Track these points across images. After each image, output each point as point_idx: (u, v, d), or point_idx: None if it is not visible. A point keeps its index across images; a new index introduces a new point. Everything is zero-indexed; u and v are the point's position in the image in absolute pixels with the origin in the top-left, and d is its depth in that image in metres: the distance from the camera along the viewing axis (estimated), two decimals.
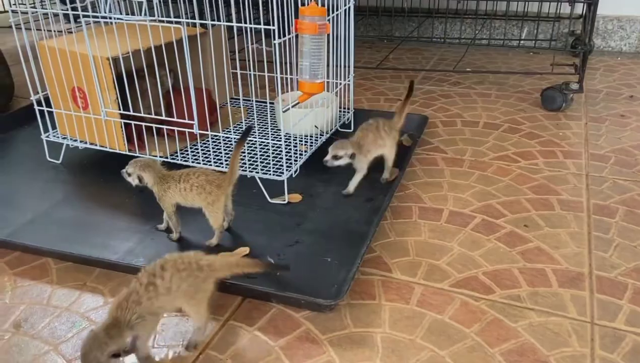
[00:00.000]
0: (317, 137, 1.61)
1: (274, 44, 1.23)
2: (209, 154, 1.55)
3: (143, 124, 1.52)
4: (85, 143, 1.62)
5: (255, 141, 1.54)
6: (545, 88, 2.05)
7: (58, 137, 1.65)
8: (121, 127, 1.54)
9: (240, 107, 1.78)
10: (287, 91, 1.72)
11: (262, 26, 1.30)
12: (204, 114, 1.67)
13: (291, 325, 1.02)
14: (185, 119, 1.46)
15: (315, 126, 1.66)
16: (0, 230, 1.31)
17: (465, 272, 1.15)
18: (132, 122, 1.52)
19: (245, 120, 1.78)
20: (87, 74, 1.49)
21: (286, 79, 1.63)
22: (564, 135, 1.83)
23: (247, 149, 1.56)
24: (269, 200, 1.42)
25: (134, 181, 1.24)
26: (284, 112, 1.39)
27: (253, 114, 1.82)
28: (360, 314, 1.04)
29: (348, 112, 1.81)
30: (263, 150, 1.56)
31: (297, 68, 1.36)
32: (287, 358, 0.95)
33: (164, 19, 1.40)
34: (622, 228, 1.30)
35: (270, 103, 1.70)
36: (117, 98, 1.50)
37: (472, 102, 2.14)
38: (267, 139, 1.57)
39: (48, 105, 1.61)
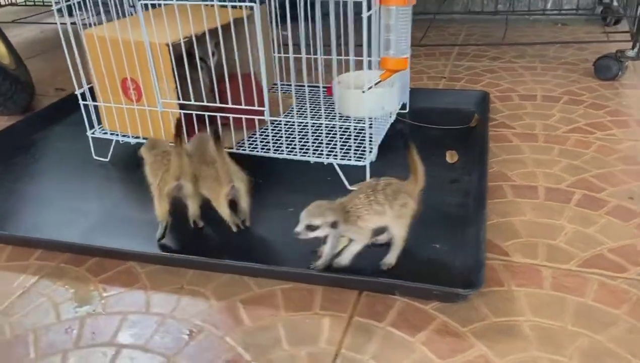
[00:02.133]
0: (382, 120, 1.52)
1: (364, 16, 1.13)
2: (277, 141, 1.45)
3: (206, 113, 1.42)
4: (138, 137, 1.51)
5: (333, 125, 1.43)
6: (599, 57, 1.98)
7: (106, 133, 1.54)
8: (180, 118, 1.43)
9: (288, 92, 1.69)
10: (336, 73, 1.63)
11: None
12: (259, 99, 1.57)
13: (424, 319, 0.93)
14: (247, 106, 1.35)
15: (383, 107, 1.56)
16: (70, 235, 1.20)
17: (589, 251, 1.08)
18: (194, 112, 1.42)
19: (297, 105, 1.68)
20: (142, 63, 1.37)
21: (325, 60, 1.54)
22: (628, 104, 1.76)
23: (315, 134, 1.47)
24: (349, 187, 1.33)
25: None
26: (364, 92, 1.29)
27: (305, 98, 1.73)
28: (495, 302, 0.96)
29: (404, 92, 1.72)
30: (332, 135, 1.47)
31: (374, 45, 1.27)
32: (434, 354, 0.86)
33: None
34: None
35: (320, 86, 1.60)
36: (177, 87, 1.40)
37: (519, 76, 2.06)
38: (344, 122, 1.46)
39: (92, 99, 1.49)
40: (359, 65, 1.49)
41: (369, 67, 1.33)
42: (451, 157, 1.46)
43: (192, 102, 1.39)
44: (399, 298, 0.98)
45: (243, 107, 1.41)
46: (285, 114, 1.59)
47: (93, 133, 1.54)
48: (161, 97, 1.40)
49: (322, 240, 1.03)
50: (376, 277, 1.01)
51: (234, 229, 1.17)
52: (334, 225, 0.99)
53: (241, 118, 1.43)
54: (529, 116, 1.71)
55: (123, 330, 0.95)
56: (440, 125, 1.64)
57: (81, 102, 1.50)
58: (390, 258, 1.04)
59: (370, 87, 1.25)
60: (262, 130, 1.54)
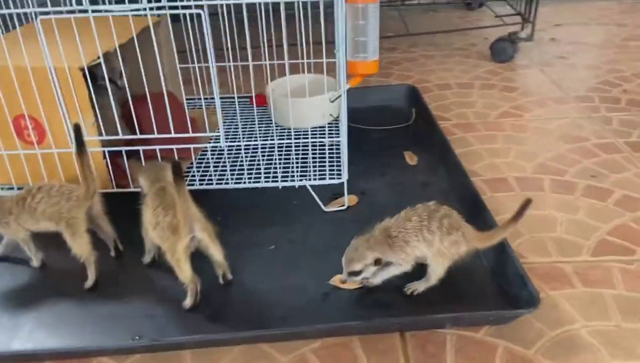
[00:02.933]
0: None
1: (339, 15, 0.98)
2: (223, 171, 1.24)
3: (130, 149, 1.15)
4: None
5: (289, 144, 1.27)
6: (495, 40, 2.06)
7: None
8: (104, 158, 1.15)
9: (209, 107, 1.48)
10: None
11: None
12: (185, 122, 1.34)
13: (486, 349, 0.84)
14: (168, 134, 1.13)
15: (331, 115, 1.44)
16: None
17: (592, 238, 1.08)
18: (121, 149, 1.15)
19: (225, 122, 1.47)
20: (44, 94, 1.07)
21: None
22: (534, 83, 1.86)
23: (273, 155, 1.29)
24: (324, 209, 1.19)
25: None
26: (332, 101, 1.16)
27: (231, 112, 1.53)
28: (543, 314, 0.90)
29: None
30: (293, 154, 1.30)
31: (336, 46, 1.13)
32: None
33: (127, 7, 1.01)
34: None
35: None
36: (98, 120, 1.11)
37: (424, 66, 2.08)
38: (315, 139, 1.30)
39: None
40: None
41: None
42: (410, 158, 1.39)
43: (119, 136, 1.12)
44: (447, 331, 0.88)
45: (181, 135, 1.19)
46: (217, 134, 1.38)
47: None
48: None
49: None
50: (416, 314, 0.89)
51: (191, 301, 0.93)
52: (377, 262, 0.90)
53: (172, 149, 1.19)
54: (455, 105, 1.72)
55: None
56: (380, 126, 1.56)
57: None
58: (419, 285, 0.93)
59: (338, 96, 1.12)
60: (202, 159, 1.31)
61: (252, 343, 0.87)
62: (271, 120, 1.46)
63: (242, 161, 1.24)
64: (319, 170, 1.24)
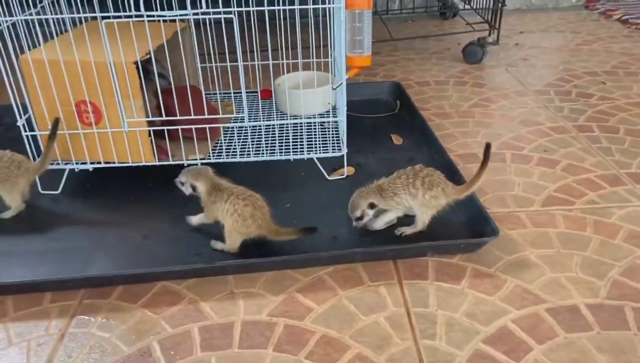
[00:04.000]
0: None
1: (341, 21, 1.26)
2: (244, 147, 1.50)
3: (173, 128, 1.41)
4: (99, 163, 1.43)
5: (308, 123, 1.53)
6: (466, 44, 2.36)
7: (58, 164, 1.42)
8: (149, 136, 1.40)
9: (224, 100, 1.76)
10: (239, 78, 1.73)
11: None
12: (212, 108, 1.60)
13: (459, 270, 1.11)
14: (196, 117, 1.39)
15: (329, 103, 1.71)
16: (70, 270, 1.13)
17: (542, 194, 1.36)
18: (164, 128, 1.40)
19: (240, 110, 1.74)
20: (104, 83, 1.32)
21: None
22: (501, 81, 2.16)
23: (279, 135, 1.56)
24: (328, 177, 1.46)
25: (187, 190, 1.20)
26: (334, 89, 1.43)
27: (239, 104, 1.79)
28: (501, 245, 1.17)
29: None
30: (299, 133, 1.57)
31: (338, 44, 1.40)
32: (483, 293, 1.05)
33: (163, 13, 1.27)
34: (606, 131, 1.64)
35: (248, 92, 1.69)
36: (146, 104, 1.37)
37: (406, 67, 2.37)
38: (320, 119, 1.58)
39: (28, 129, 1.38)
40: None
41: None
42: (397, 139, 1.67)
43: (162, 118, 1.38)
44: (429, 259, 1.15)
45: (209, 116, 1.45)
46: (233, 120, 1.64)
47: None
48: (126, 117, 1.36)
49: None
50: (405, 244, 1.16)
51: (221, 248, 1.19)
52: (371, 206, 1.15)
53: (204, 128, 1.45)
54: (434, 98, 2.00)
55: (243, 339, 0.97)
56: (369, 114, 1.84)
57: (25, 134, 1.37)
58: (407, 229, 1.21)
59: (340, 84, 1.39)
60: (227, 137, 1.58)
61: (280, 269, 1.13)
62: (277, 109, 1.74)
63: (260, 138, 1.51)
64: (322, 146, 1.50)
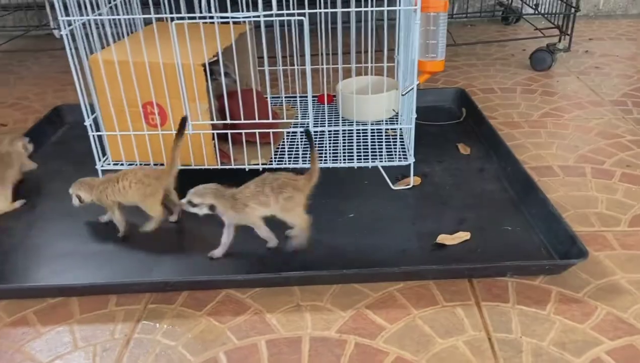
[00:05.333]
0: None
1: (415, 24, 1.20)
2: (305, 152, 1.45)
3: (236, 132, 1.38)
4: (161, 165, 1.41)
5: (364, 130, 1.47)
6: (534, 50, 2.26)
7: (120, 164, 1.42)
8: (213, 139, 1.38)
9: (286, 104, 1.72)
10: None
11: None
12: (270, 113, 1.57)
13: (542, 293, 1.03)
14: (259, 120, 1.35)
15: (393, 109, 1.65)
16: (131, 274, 1.11)
17: (628, 213, 1.26)
18: (228, 131, 1.38)
19: (297, 116, 1.70)
20: (171, 85, 1.30)
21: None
22: (573, 89, 2.04)
23: (346, 140, 1.51)
24: (393, 187, 1.40)
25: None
26: (404, 95, 1.37)
27: (299, 107, 1.75)
28: (588, 268, 1.08)
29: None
30: (364, 140, 1.52)
31: (407, 48, 1.35)
32: (571, 320, 0.96)
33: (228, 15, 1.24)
34: None
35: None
36: (211, 106, 1.35)
37: (467, 73, 2.28)
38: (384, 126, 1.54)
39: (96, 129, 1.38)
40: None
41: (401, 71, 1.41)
42: (464, 149, 1.59)
43: (226, 121, 1.35)
44: (508, 279, 1.07)
45: (272, 120, 1.42)
46: (293, 124, 1.60)
47: (105, 165, 1.42)
48: (191, 119, 1.34)
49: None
50: (483, 263, 1.09)
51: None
52: (211, 208, 1.11)
53: (267, 133, 1.42)
54: (500, 107, 1.91)
55: (312, 356, 0.92)
56: (434, 122, 1.76)
57: (92, 134, 1.38)
58: (296, 241, 1.16)
59: (410, 90, 1.33)
60: (288, 142, 1.54)
61: (347, 282, 1.08)
62: (338, 114, 1.69)
63: (322, 144, 1.46)
64: (387, 154, 1.44)
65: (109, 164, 1.42)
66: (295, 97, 1.73)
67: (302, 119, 1.67)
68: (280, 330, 0.98)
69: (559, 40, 2.26)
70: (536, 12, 2.58)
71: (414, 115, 1.33)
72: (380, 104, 1.63)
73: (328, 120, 1.67)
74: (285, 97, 1.73)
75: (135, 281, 1.07)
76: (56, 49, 2.86)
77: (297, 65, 1.61)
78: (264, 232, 1.17)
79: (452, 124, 1.77)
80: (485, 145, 1.60)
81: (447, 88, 1.99)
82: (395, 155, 1.44)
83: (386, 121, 1.65)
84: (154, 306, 1.05)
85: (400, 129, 1.52)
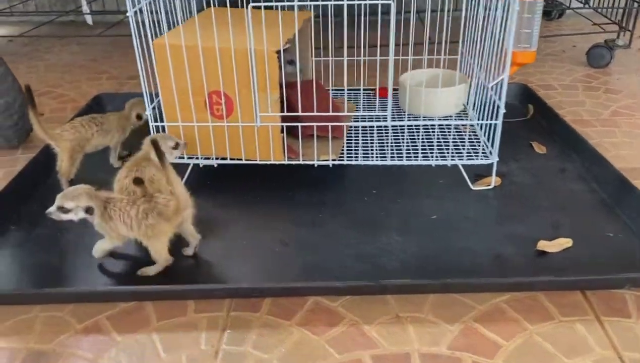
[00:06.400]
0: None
1: (513, 11, 1.10)
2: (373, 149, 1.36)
3: (308, 125, 1.29)
4: (224, 159, 1.32)
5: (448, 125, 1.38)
6: (592, 46, 2.16)
7: (182, 158, 1.32)
8: (282, 133, 1.28)
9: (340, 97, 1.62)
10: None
11: None
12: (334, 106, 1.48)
13: None
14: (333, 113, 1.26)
15: (464, 104, 1.56)
16: (201, 277, 1.02)
17: None
18: (299, 124, 1.28)
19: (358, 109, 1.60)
20: (241, 73, 1.20)
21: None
22: (637, 87, 1.94)
23: (415, 137, 1.41)
24: (472, 187, 1.31)
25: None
26: (490, 86, 1.27)
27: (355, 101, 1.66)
28: None
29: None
30: (435, 136, 1.42)
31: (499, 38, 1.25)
32: None
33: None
34: None
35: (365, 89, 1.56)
36: (283, 97, 1.25)
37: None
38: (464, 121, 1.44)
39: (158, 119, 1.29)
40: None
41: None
42: (539, 147, 1.50)
43: (300, 113, 1.26)
44: (626, 292, 0.98)
45: (340, 113, 1.32)
46: (354, 118, 1.50)
47: None
48: (260, 111, 1.24)
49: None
50: (601, 274, 0.99)
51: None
52: (88, 210, 0.98)
53: (339, 126, 1.33)
54: (565, 104, 1.81)
55: None
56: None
57: (153, 124, 1.28)
58: (149, 270, 1.03)
59: (497, 82, 1.23)
60: (355, 137, 1.45)
61: (445, 292, 0.98)
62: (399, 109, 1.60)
63: (383, 139, 1.37)
64: (457, 151, 1.35)
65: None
66: (344, 89, 1.63)
67: (367, 112, 1.58)
68: (384, 344, 0.88)
69: (618, 36, 2.16)
70: (586, 6, 2.47)
71: (503, 110, 1.23)
72: (450, 98, 1.53)
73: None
74: (336, 90, 1.63)
75: (218, 287, 0.98)
76: (83, 35, 2.77)
77: (360, 57, 1.51)
78: (103, 248, 1.06)
79: (520, 121, 1.67)
80: (561, 143, 1.50)
81: (510, 84, 1.88)
82: (476, 152, 1.34)
83: (455, 116, 1.55)
84: (236, 314, 0.96)
85: (475, 125, 1.42)
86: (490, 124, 1.29)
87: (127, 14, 1.15)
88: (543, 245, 1.08)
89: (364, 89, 1.66)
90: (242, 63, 1.19)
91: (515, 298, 0.97)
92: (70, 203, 0.98)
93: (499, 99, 1.24)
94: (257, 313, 0.96)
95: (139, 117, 1.43)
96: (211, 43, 1.18)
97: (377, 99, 1.66)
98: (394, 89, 1.71)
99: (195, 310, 0.96)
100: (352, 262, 1.06)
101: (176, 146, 1.23)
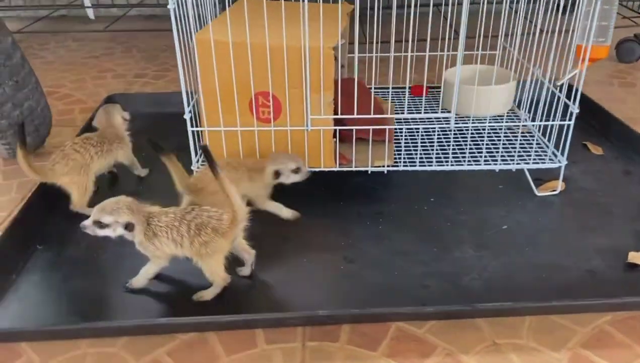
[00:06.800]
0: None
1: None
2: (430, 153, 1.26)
3: (365, 128, 1.18)
4: None
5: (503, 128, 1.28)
6: (620, 41, 2.09)
7: None
8: (334, 137, 1.18)
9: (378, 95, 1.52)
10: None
11: None
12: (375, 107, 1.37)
13: None
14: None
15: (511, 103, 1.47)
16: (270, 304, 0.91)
17: None
18: (353, 128, 1.17)
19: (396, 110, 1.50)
20: (293, 73, 1.09)
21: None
22: None
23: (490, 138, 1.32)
24: (537, 193, 1.22)
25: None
26: (559, 85, 1.18)
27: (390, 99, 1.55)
28: None
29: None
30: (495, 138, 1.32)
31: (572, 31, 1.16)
32: None
33: None
34: None
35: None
36: (337, 100, 1.14)
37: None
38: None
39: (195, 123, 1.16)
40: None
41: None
42: (594, 148, 1.42)
43: (355, 116, 1.15)
44: None
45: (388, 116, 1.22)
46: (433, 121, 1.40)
47: (200, 166, 1.20)
48: (311, 114, 1.13)
49: None
50: None
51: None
52: (128, 227, 0.88)
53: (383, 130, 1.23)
54: (604, 101, 1.73)
55: None
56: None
57: (191, 129, 1.15)
58: (206, 293, 0.93)
59: (573, 74, 1.15)
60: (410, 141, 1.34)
61: (543, 314, 0.89)
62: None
63: (466, 143, 1.27)
64: (527, 155, 1.26)
65: (204, 163, 1.21)
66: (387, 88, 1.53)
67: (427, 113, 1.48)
68: None
69: None
70: None
71: (576, 109, 1.14)
72: (503, 96, 1.44)
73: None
74: (376, 88, 1.53)
75: (292, 315, 0.87)
76: (78, 31, 2.62)
77: (396, 52, 1.40)
78: (148, 274, 0.94)
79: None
80: (617, 143, 1.42)
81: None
82: (538, 155, 1.25)
83: (507, 117, 1.45)
84: (314, 344, 0.85)
85: (534, 126, 1.33)
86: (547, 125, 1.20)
87: (168, 6, 1.02)
88: (633, 257, 1.00)
89: (392, 88, 1.56)
90: (294, 61, 1.08)
91: (617, 319, 0.89)
92: (109, 218, 0.87)
93: (572, 98, 1.14)
94: (337, 343, 0.85)
95: (125, 118, 1.28)
96: (260, 39, 1.06)
97: (407, 98, 1.56)
98: (433, 87, 1.63)
99: (267, 341, 0.85)
100: (431, 281, 0.96)
101: (297, 170, 1.11)
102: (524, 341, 0.85)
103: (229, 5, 1.22)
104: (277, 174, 1.10)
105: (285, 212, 1.13)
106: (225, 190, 0.89)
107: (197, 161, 1.20)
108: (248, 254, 0.98)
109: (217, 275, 0.92)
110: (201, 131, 1.18)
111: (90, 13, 2.28)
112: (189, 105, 1.13)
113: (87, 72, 2.12)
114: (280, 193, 1.16)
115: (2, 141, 1.27)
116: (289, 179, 1.11)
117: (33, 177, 1.14)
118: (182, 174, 1.06)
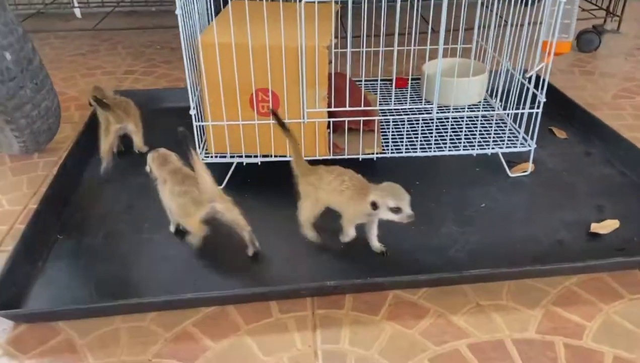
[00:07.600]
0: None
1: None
2: (413, 140, 1.38)
3: (356, 119, 1.29)
4: (269, 156, 1.31)
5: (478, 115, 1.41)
6: (581, 32, 2.25)
7: (224, 156, 1.30)
8: (328, 128, 1.29)
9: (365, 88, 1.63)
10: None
11: None
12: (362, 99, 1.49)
13: None
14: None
15: (482, 93, 1.60)
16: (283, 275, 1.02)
17: None
18: (345, 119, 1.29)
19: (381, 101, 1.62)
20: (290, 70, 1.19)
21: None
22: (629, 70, 2.05)
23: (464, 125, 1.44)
24: (510, 174, 1.36)
25: None
26: (525, 78, 1.32)
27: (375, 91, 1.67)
28: None
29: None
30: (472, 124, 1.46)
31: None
32: None
33: None
34: None
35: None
36: (331, 93, 1.25)
37: None
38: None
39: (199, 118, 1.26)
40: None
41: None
42: (559, 132, 1.56)
43: (346, 108, 1.26)
44: None
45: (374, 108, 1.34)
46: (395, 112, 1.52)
47: (207, 157, 1.30)
48: (307, 107, 1.24)
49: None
50: None
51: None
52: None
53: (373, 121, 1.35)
54: (565, 88, 1.89)
55: (525, 361, 0.86)
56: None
57: (196, 124, 1.25)
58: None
59: (539, 67, 1.28)
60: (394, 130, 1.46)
61: (521, 278, 1.03)
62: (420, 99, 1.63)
63: (417, 130, 1.39)
64: (500, 140, 1.39)
65: (210, 157, 1.30)
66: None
67: (410, 105, 1.60)
68: (476, 333, 0.92)
69: (604, 22, 2.26)
70: None
71: (543, 98, 1.28)
72: (477, 87, 1.57)
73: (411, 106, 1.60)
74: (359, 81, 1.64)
75: (302, 286, 0.98)
76: (59, 30, 2.65)
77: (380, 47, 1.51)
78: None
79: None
80: (579, 128, 1.57)
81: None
82: (510, 140, 1.38)
83: (481, 105, 1.59)
84: (322, 312, 0.96)
85: (507, 114, 1.47)
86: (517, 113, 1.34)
87: (176, 12, 1.11)
88: (595, 227, 1.14)
89: (381, 80, 1.68)
90: (292, 60, 1.18)
91: (582, 280, 1.03)
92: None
93: (540, 88, 1.28)
94: (343, 310, 0.97)
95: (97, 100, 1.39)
96: (260, 41, 1.16)
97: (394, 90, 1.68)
98: (412, 79, 1.76)
99: (280, 311, 0.96)
100: (422, 255, 1.09)
101: (397, 211, 0.99)
102: (504, 302, 0.98)
103: (223, 7, 1.31)
104: (374, 205, 1.00)
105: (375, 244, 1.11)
106: (196, 171, 1.00)
107: (201, 154, 1.29)
108: (245, 231, 1.07)
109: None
110: (204, 125, 1.27)
111: (77, 12, 2.32)
112: (193, 102, 1.23)
113: (76, 69, 2.17)
114: (277, 180, 1.26)
115: (19, 139, 1.33)
116: (386, 215, 1.01)
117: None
118: (299, 156, 1.11)
